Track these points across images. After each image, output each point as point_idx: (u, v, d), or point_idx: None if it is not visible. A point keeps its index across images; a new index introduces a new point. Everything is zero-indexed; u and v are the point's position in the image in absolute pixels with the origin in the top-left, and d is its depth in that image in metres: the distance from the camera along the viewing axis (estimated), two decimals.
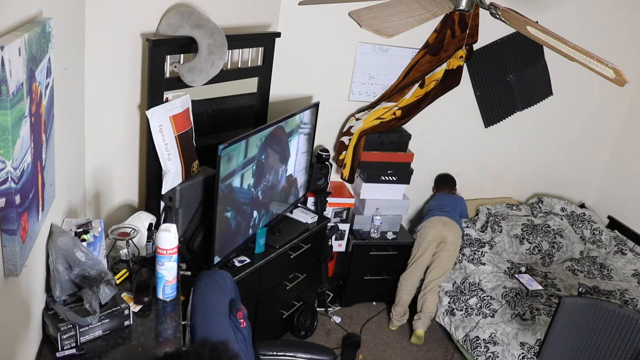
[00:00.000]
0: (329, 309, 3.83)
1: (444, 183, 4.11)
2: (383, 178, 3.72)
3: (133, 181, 2.73)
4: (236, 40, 2.75)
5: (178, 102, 2.56)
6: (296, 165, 3.26)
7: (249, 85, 3.10)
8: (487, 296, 3.42)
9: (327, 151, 3.54)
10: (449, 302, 3.55)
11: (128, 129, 2.61)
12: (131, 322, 1.94)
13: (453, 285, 3.61)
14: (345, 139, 3.67)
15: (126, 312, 1.92)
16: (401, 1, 1.88)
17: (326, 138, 3.80)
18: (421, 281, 3.74)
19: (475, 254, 3.72)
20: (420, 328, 3.63)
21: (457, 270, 3.70)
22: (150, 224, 2.43)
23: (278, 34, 3.08)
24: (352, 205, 3.77)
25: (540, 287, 3.50)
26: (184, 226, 2.67)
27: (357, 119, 3.67)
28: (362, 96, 3.73)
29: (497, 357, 3.09)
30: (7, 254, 1.36)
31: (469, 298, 3.46)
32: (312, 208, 3.50)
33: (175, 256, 2.11)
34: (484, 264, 3.64)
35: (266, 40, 3.04)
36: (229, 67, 2.88)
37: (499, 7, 1.88)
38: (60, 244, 1.80)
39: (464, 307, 3.45)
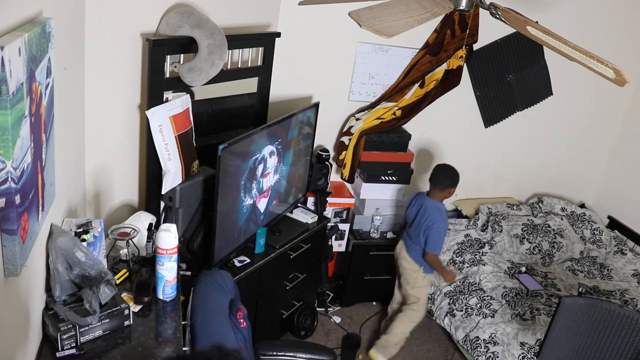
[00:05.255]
0: (329, 309, 3.82)
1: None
2: (383, 178, 3.72)
3: (133, 181, 2.73)
4: (236, 40, 2.75)
5: (178, 102, 2.56)
6: (296, 165, 3.26)
7: (249, 85, 3.10)
8: (487, 296, 3.42)
9: (327, 151, 3.53)
10: (449, 303, 3.54)
11: (128, 129, 2.61)
12: (131, 322, 1.94)
13: (452, 286, 3.61)
14: (345, 139, 3.67)
15: (126, 312, 1.92)
16: (401, 1, 1.88)
17: (326, 138, 3.80)
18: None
19: (475, 255, 3.71)
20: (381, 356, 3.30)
21: (457, 271, 3.69)
22: (150, 224, 2.43)
23: (278, 34, 3.08)
24: (352, 205, 3.76)
25: (540, 287, 3.50)
26: (184, 226, 2.67)
27: (357, 119, 3.67)
28: (362, 96, 3.73)
29: (497, 357, 3.09)
30: (7, 254, 1.36)
31: (469, 298, 3.46)
32: (312, 208, 3.50)
33: (175, 256, 2.11)
34: (484, 264, 3.64)
35: (266, 40, 3.04)
36: (229, 67, 2.88)
37: (499, 7, 1.88)
38: (60, 244, 1.80)
39: (464, 307, 3.45)
